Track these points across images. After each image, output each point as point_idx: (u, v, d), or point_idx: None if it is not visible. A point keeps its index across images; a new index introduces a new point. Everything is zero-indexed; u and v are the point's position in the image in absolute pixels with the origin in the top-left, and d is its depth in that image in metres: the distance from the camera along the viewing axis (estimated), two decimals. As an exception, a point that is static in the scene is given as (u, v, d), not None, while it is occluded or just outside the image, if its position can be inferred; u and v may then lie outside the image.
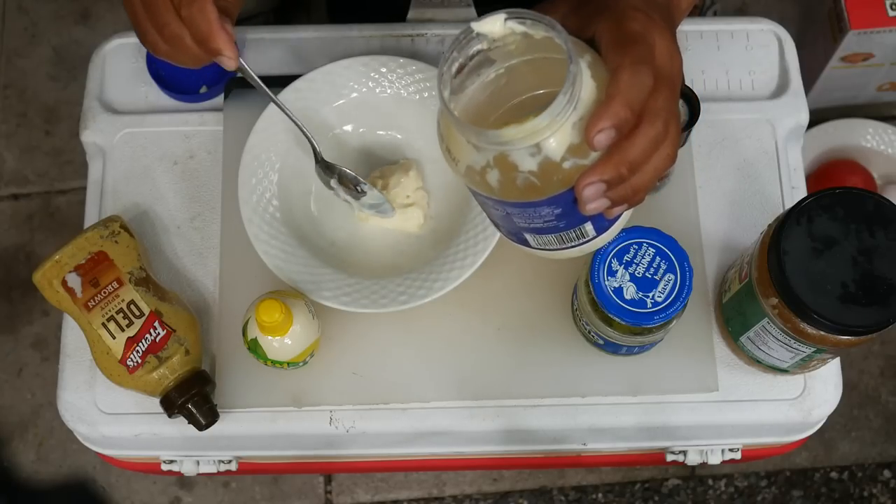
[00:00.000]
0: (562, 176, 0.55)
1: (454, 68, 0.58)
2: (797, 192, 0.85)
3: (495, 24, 0.57)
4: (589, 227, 0.61)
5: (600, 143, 0.54)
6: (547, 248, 0.64)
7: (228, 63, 0.67)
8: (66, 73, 1.56)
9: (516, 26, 0.57)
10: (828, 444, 1.41)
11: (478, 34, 0.57)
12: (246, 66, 0.71)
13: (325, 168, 0.79)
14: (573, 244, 0.63)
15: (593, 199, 0.56)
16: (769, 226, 0.71)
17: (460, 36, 0.57)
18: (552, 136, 0.54)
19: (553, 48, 0.56)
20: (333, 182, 0.79)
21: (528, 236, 0.63)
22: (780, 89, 0.87)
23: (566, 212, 0.58)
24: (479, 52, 0.58)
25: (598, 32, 0.58)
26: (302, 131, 0.77)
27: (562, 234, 0.61)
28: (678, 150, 0.59)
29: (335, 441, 0.81)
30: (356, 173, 0.79)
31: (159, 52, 0.67)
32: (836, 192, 0.69)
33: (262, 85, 0.74)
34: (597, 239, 0.63)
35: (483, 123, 0.59)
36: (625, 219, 0.64)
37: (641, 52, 0.56)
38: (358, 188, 0.79)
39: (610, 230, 0.63)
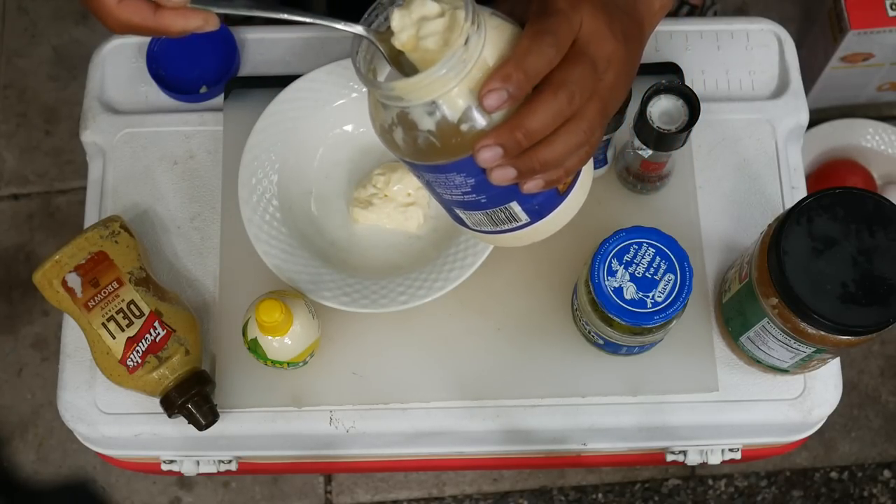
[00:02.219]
0: (460, 139, 0.56)
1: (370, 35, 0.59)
2: (797, 192, 0.85)
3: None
4: (517, 209, 0.62)
5: (490, 104, 0.54)
6: (481, 228, 0.64)
7: (210, 27, 0.63)
8: (66, 73, 1.56)
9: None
10: (828, 444, 1.41)
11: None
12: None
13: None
14: (506, 227, 0.64)
15: (491, 162, 0.56)
16: (769, 226, 0.71)
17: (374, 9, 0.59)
18: (447, 94, 0.55)
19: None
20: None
21: (458, 212, 0.64)
22: (780, 89, 0.88)
23: (481, 183, 0.59)
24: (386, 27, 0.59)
25: (528, 13, 0.58)
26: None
27: (489, 212, 0.62)
28: (599, 133, 0.58)
29: (335, 441, 0.81)
30: (356, 174, 0.79)
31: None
32: (836, 192, 0.69)
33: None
34: (532, 226, 0.64)
35: None
36: (569, 212, 0.64)
37: (551, 23, 0.56)
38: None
39: (548, 219, 0.64)
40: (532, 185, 0.58)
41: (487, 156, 0.55)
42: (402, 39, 0.58)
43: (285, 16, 0.61)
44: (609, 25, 0.58)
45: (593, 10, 0.57)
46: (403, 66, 0.60)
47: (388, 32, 0.59)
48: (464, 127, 0.56)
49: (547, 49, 0.55)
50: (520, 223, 0.63)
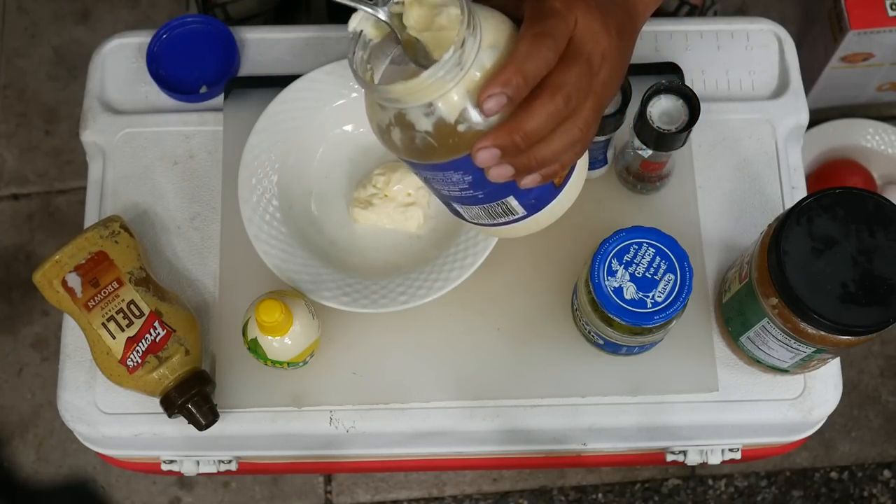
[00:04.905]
0: (458, 139, 0.56)
1: (378, 32, 0.59)
2: (797, 192, 0.85)
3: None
4: (514, 203, 0.62)
5: (489, 109, 0.54)
6: (479, 222, 0.65)
7: None
8: (66, 73, 1.56)
9: None
10: (828, 444, 1.41)
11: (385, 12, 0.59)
12: None
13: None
14: (503, 220, 0.64)
15: (489, 163, 0.56)
16: (769, 226, 0.71)
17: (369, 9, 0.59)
18: (444, 97, 0.55)
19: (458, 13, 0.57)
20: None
21: (456, 206, 0.64)
22: (780, 89, 0.88)
23: (478, 180, 0.59)
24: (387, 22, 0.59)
25: (523, 11, 0.58)
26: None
27: (486, 207, 0.62)
28: (594, 129, 0.59)
29: (335, 441, 0.81)
30: (356, 174, 0.78)
31: None
32: (836, 192, 0.69)
33: None
34: (529, 219, 0.64)
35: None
36: (565, 203, 0.65)
37: (549, 26, 0.56)
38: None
39: (545, 211, 0.64)
40: (528, 181, 0.59)
41: (485, 157, 0.56)
42: (412, 19, 0.58)
43: None
44: (603, 23, 0.58)
45: (587, 7, 0.57)
46: (417, 52, 0.60)
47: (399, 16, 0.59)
48: (461, 128, 0.56)
49: (546, 52, 0.55)
50: (517, 216, 0.64)
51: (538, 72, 0.55)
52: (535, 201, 0.63)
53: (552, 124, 0.56)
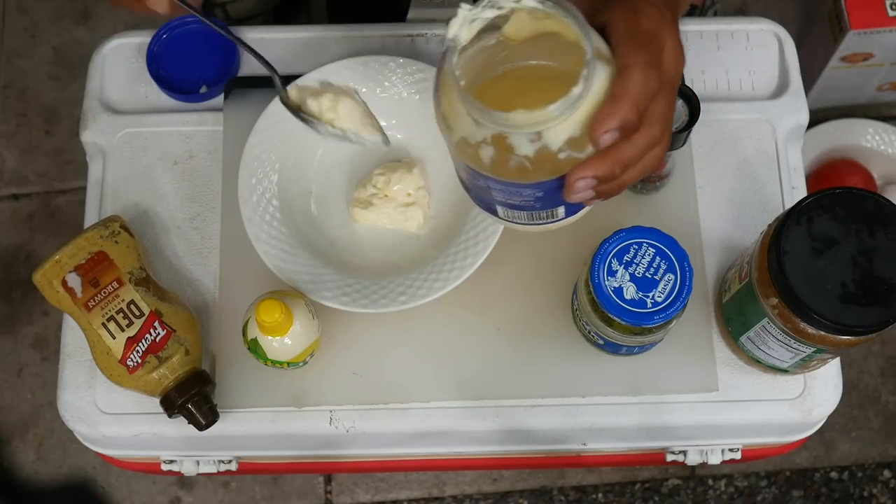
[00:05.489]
0: (555, 165, 0.56)
1: (470, 34, 0.58)
2: (797, 192, 0.85)
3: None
4: (561, 210, 0.63)
5: (604, 143, 0.55)
6: (514, 221, 0.65)
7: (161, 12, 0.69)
8: (66, 73, 1.56)
9: (533, 3, 0.57)
10: (828, 444, 1.41)
11: (492, 3, 0.57)
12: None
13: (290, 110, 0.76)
14: (541, 222, 0.64)
15: (582, 190, 0.57)
16: (769, 226, 0.71)
17: (480, 4, 0.57)
18: (556, 126, 0.55)
19: (561, 28, 0.56)
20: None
21: (499, 208, 0.64)
22: (780, 89, 0.87)
23: (547, 195, 0.59)
24: (492, 19, 0.58)
25: (610, 22, 0.58)
26: (263, 62, 0.76)
27: (534, 212, 0.62)
28: (675, 151, 0.60)
29: (335, 441, 0.81)
30: (356, 174, 0.78)
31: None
32: (836, 192, 0.69)
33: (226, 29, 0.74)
34: (564, 220, 0.64)
35: (475, 84, 0.59)
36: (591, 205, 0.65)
37: (653, 54, 0.56)
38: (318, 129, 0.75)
39: (579, 213, 0.65)
40: (598, 200, 0.60)
41: (582, 185, 0.56)
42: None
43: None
44: (679, 39, 0.59)
45: (673, 28, 0.58)
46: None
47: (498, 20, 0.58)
48: (562, 155, 0.56)
49: (654, 85, 0.56)
50: (556, 219, 0.64)
51: (646, 104, 0.56)
52: (579, 207, 0.63)
53: (646, 153, 0.57)
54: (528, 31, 0.58)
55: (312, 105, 0.75)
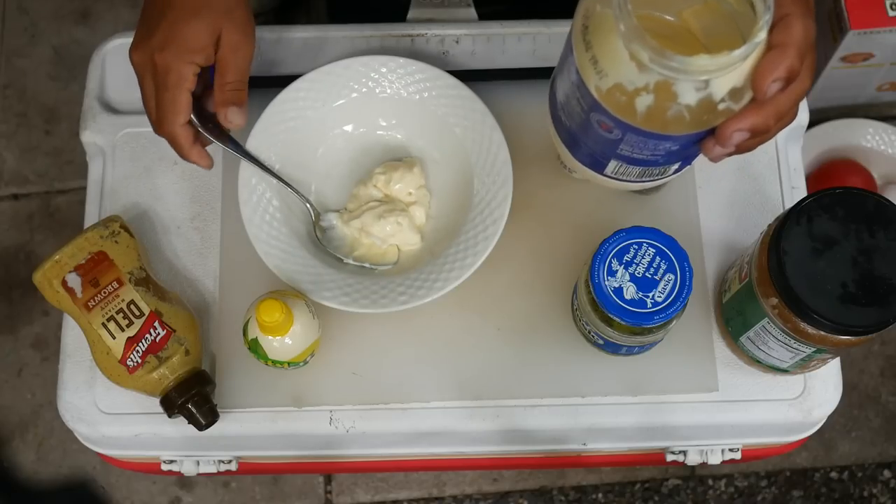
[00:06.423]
0: (711, 116, 0.55)
1: None
2: (797, 192, 0.85)
3: None
4: (676, 167, 0.61)
5: (771, 92, 0.54)
6: (621, 177, 0.63)
7: (205, 167, 0.75)
8: (66, 73, 1.56)
9: None
10: (828, 444, 1.41)
11: None
12: (248, 153, 0.79)
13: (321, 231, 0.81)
14: (649, 179, 0.63)
15: (735, 143, 0.56)
16: (769, 226, 0.71)
17: None
18: (725, 74, 0.53)
19: None
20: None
21: (612, 164, 0.61)
22: (780, 89, 0.87)
23: (681, 149, 0.57)
24: None
25: None
26: (298, 194, 0.80)
27: (651, 168, 0.60)
28: None
29: (335, 441, 0.81)
30: (356, 174, 0.78)
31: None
32: (836, 192, 0.69)
33: (268, 168, 0.80)
34: (668, 178, 0.64)
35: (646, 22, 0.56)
36: None
37: (808, 4, 0.56)
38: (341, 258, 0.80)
39: (681, 172, 0.64)
40: (734, 153, 0.59)
41: (737, 137, 0.55)
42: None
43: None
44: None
45: (807, 7, 0.58)
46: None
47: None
48: (721, 106, 0.54)
49: (812, 33, 0.56)
50: (665, 176, 0.63)
51: (806, 53, 0.56)
52: (687, 164, 0.62)
53: (797, 103, 0.57)
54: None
55: (343, 230, 0.81)
